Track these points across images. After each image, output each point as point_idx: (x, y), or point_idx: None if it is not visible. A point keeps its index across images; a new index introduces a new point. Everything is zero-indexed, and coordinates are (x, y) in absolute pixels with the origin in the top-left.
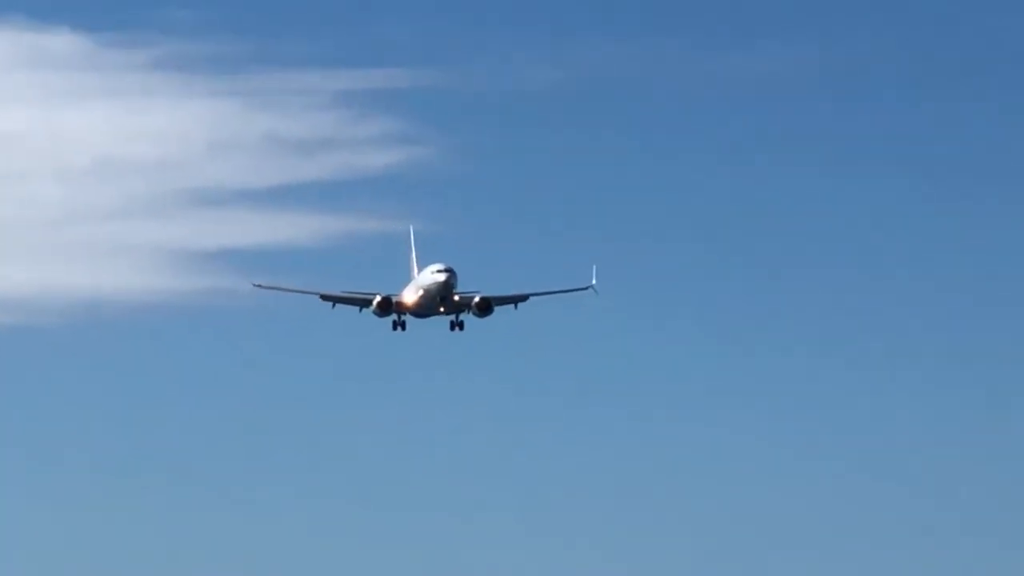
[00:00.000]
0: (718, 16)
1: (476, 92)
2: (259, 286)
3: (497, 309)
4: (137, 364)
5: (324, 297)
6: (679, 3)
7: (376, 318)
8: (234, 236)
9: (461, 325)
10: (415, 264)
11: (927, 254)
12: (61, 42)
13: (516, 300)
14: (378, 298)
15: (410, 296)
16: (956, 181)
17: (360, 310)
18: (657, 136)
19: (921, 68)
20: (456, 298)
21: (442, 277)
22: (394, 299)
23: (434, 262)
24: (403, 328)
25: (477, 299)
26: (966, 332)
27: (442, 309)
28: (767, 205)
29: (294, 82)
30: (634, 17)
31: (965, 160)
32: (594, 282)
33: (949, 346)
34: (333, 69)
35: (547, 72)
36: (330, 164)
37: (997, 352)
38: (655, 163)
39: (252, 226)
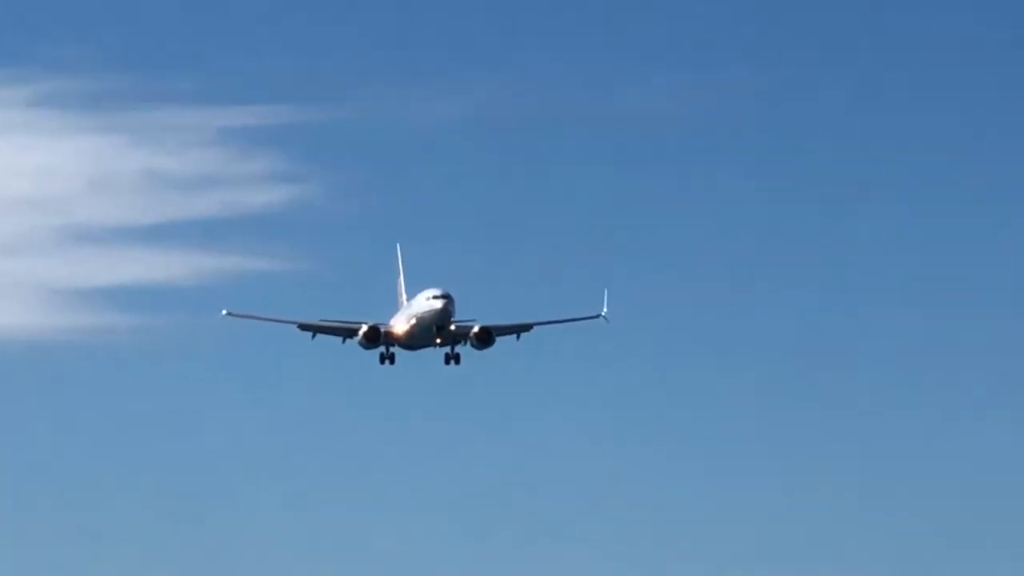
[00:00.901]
0: (612, 48)
1: (360, 129)
2: (230, 314)
3: (498, 340)
4: (16, 403)
5: (303, 327)
6: (572, 35)
7: (362, 350)
8: (115, 274)
9: (457, 358)
10: (403, 290)
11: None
12: None
13: (519, 330)
14: (365, 327)
15: (401, 325)
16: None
17: (343, 341)
18: (550, 169)
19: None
20: (452, 327)
21: (439, 304)
22: (383, 329)
23: (430, 287)
24: (392, 361)
25: (476, 329)
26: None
27: (438, 340)
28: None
29: (176, 119)
30: (526, 50)
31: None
32: (606, 310)
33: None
34: (215, 106)
35: (434, 108)
36: (212, 202)
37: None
38: (547, 196)
39: (133, 264)
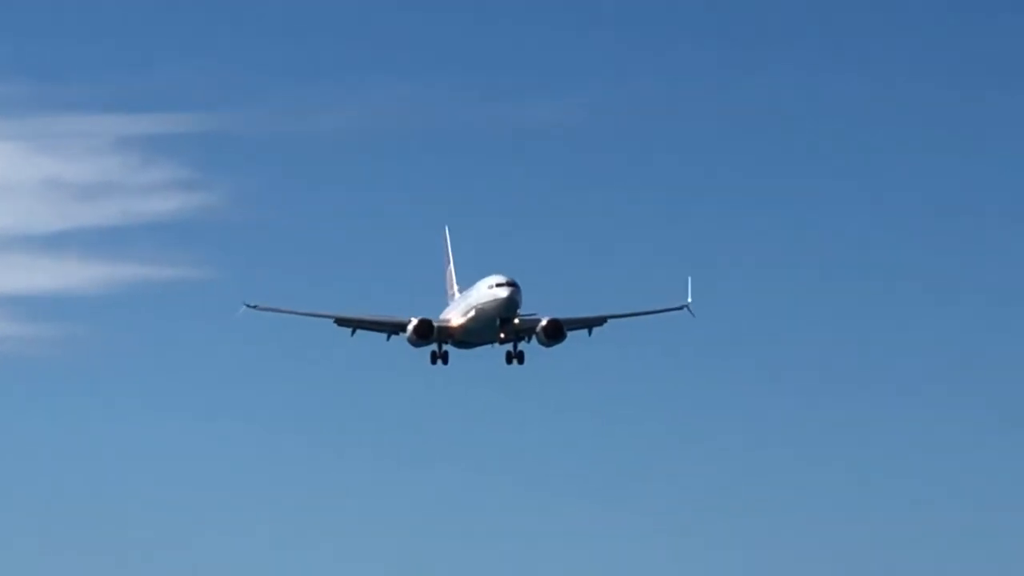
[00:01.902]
0: (508, 63)
1: (261, 136)
2: (253, 307)
3: (569, 335)
4: None
5: (341, 321)
6: (472, 47)
7: (410, 348)
8: (14, 282)
9: (520, 357)
10: (453, 279)
11: None
12: None
13: (592, 324)
14: (415, 321)
15: (457, 319)
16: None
17: (388, 337)
18: (446, 179)
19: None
20: (517, 321)
21: (504, 293)
22: (436, 323)
23: (493, 274)
24: (445, 361)
25: (544, 322)
26: None
27: (501, 336)
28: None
29: (77, 126)
30: (425, 60)
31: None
32: (690, 300)
33: None
34: (117, 113)
35: (334, 115)
36: (113, 210)
37: None
38: (444, 207)
39: (33, 272)
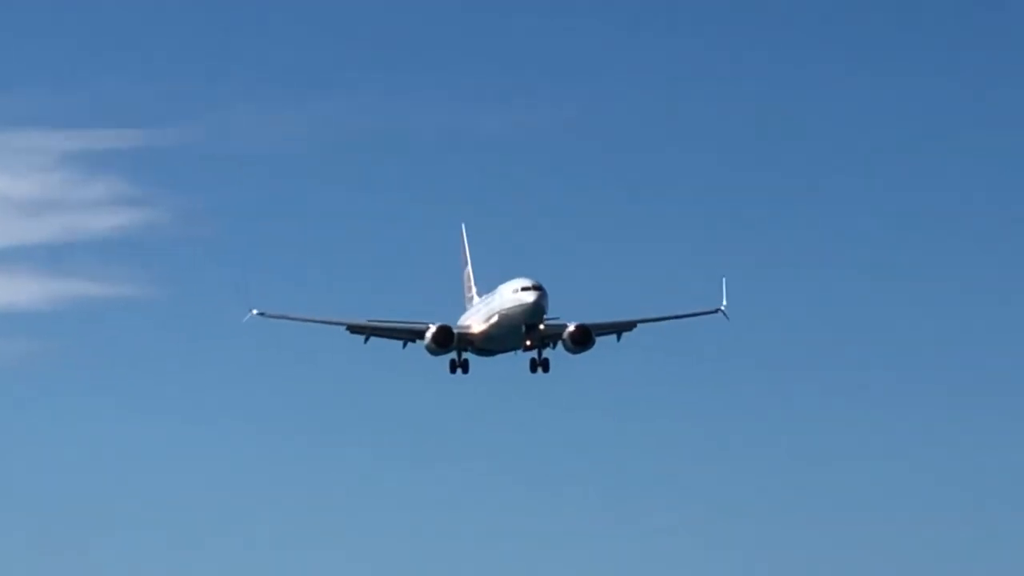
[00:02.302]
0: (475, 70)
1: (205, 152)
2: (261, 314)
3: (597, 341)
4: None
5: (354, 329)
6: (434, 56)
7: (428, 356)
8: None
9: (545, 364)
10: (472, 282)
11: None
12: None
13: (620, 329)
14: (433, 328)
15: (478, 324)
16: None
17: (404, 345)
18: (407, 191)
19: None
20: (542, 327)
21: (530, 297)
22: (456, 330)
23: (518, 277)
24: (465, 370)
25: (571, 328)
26: None
27: (528, 343)
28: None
29: (19, 142)
30: (378, 72)
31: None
32: (725, 303)
33: None
34: (60, 129)
35: (278, 131)
36: (56, 226)
37: None
38: (402, 219)
39: None
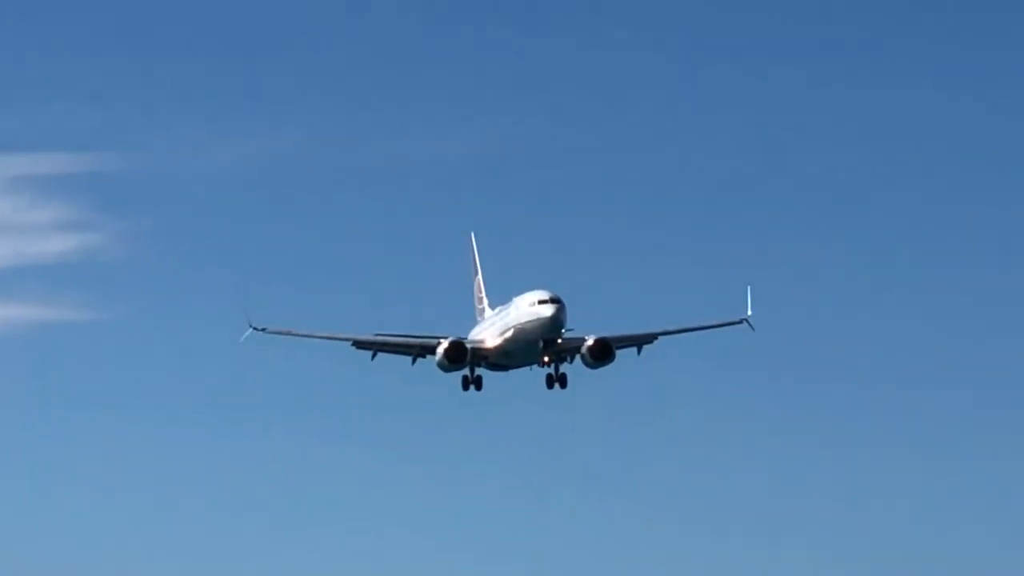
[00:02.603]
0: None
1: (151, 177)
2: (262, 331)
3: (617, 354)
4: None
5: (359, 344)
6: (358, 86)
7: (438, 373)
8: None
9: (563, 380)
10: (483, 292)
11: None
12: None
13: (640, 341)
14: (445, 343)
15: (492, 338)
16: None
17: (413, 361)
18: (339, 217)
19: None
20: (559, 341)
21: (548, 311)
22: (469, 345)
23: (534, 289)
24: (478, 387)
25: (591, 341)
26: None
27: (546, 359)
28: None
29: None
30: (310, 99)
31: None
32: (750, 313)
33: None
34: (5, 154)
35: (223, 155)
36: (3, 251)
37: None
38: (337, 240)
39: None
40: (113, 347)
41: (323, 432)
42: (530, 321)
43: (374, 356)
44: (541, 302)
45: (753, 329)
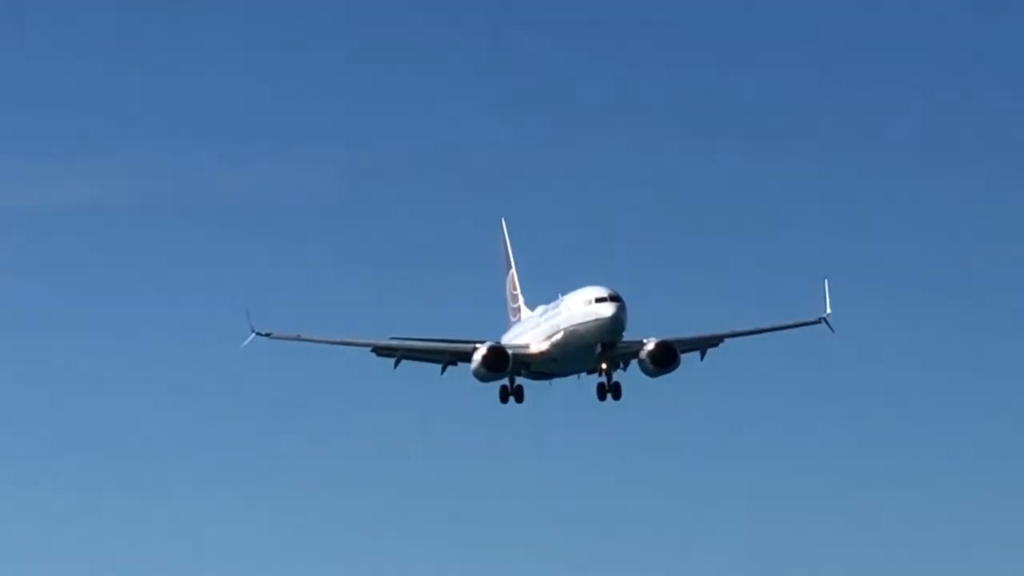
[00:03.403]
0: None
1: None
2: (266, 335)
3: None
4: None
5: (380, 351)
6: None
7: (475, 382)
8: None
9: (616, 390)
10: (516, 286)
11: None
12: None
13: (704, 344)
14: (484, 348)
15: (538, 342)
16: None
17: (443, 369)
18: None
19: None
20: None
21: (608, 310)
22: (512, 350)
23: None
24: (519, 398)
25: (651, 346)
26: None
27: (603, 366)
28: None
29: None
30: (158, 129)
31: None
32: (829, 311)
33: None
34: None
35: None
36: None
37: None
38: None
39: None
40: None
41: (340, 452)
42: (586, 322)
43: (397, 364)
44: (599, 300)
45: (833, 330)
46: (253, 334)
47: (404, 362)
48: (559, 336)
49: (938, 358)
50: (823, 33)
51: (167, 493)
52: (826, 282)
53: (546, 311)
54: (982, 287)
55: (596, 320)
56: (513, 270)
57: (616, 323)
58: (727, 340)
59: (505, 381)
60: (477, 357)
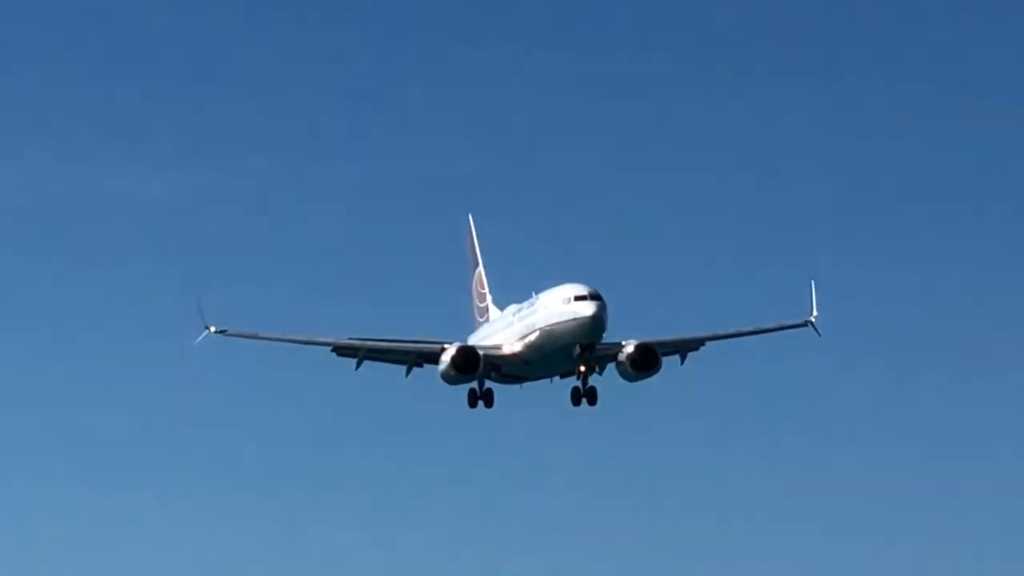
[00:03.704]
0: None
1: None
2: (221, 332)
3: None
4: None
5: (341, 350)
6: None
7: (442, 385)
8: None
9: (591, 395)
10: (484, 284)
11: None
12: None
13: (685, 347)
14: (453, 349)
15: (511, 343)
16: None
17: (408, 371)
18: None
19: None
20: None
21: (588, 309)
22: (481, 350)
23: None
24: (488, 403)
25: (631, 348)
26: None
27: (582, 368)
28: None
29: None
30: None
31: None
32: (815, 315)
33: None
34: None
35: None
36: None
37: None
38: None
39: None
40: None
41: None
42: (565, 322)
43: (359, 365)
44: (578, 298)
45: (819, 334)
46: (206, 331)
47: (366, 363)
48: (534, 336)
49: (931, 360)
50: (818, 38)
51: (110, 494)
52: (812, 283)
53: (519, 310)
54: (979, 287)
55: (575, 320)
56: (481, 267)
57: (596, 323)
58: (708, 343)
59: (474, 384)
60: (445, 358)
